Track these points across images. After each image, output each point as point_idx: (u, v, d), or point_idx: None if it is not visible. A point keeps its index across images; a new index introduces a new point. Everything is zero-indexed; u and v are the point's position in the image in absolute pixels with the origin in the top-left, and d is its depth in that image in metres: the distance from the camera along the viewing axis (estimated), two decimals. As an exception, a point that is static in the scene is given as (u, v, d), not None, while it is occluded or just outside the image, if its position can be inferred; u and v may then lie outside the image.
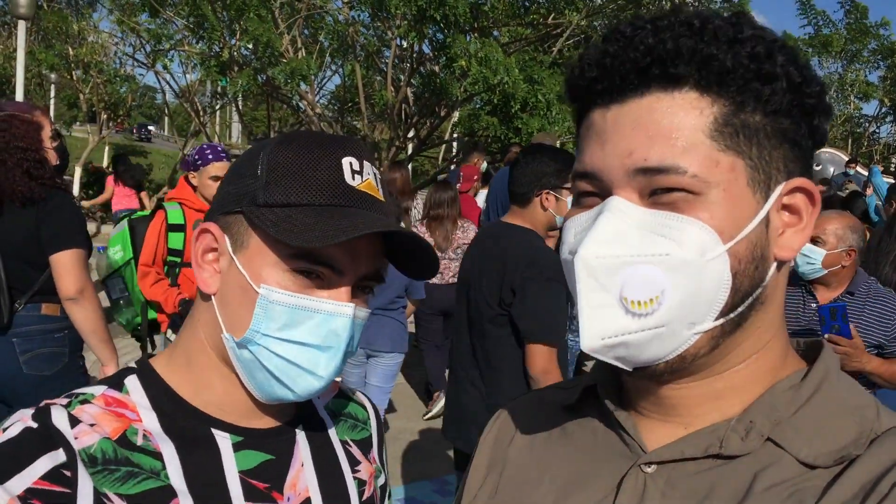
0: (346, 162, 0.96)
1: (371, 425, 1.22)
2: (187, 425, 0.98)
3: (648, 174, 0.72)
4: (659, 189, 0.73)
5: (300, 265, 0.93)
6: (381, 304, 4.54)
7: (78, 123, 21.77)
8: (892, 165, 20.15)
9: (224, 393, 1.00)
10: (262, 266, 0.93)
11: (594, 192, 0.78)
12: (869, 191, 10.01)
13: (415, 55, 12.12)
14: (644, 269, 0.72)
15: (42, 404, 0.94)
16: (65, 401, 0.95)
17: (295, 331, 0.93)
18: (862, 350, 2.90)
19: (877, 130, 25.07)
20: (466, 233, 6.20)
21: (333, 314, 0.94)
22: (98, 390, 0.98)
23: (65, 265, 3.03)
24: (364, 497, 1.12)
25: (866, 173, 13.54)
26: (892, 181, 9.94)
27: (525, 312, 2.79)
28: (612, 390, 0.89)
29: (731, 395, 0.79)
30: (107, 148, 21.51)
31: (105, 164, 19.42)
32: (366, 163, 0.98)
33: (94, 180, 16.76)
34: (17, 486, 0.84)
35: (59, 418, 0.91)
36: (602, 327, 0.73)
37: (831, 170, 13.65)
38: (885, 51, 22.45)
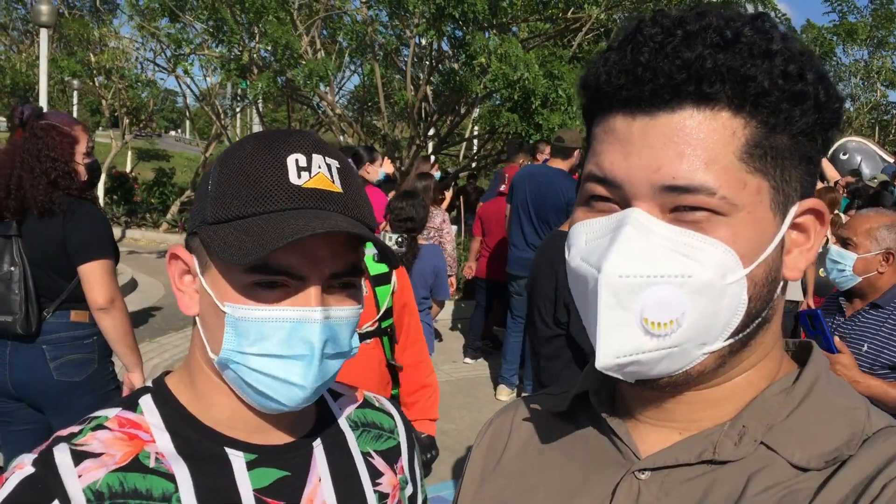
0: (292, 160, 0.93)
1: (399, 434, 1.19)
2: (201, 445, 0.98)
3: (676, 192, 0.71)
4: (683, 206, 0.71)
5: (257, 279, 0.91)
6: None
7: (101, 129, 21.98)
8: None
9: (231, 410, 1.00)
10: (226, 284, 0.93)
11: (609, 198, 0.76)
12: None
13: (434, 53, 12.10)
14: (667, 290, 0.71)
15: (51, 440, 0.94)
16: (77, 428, 0.95)
17: (265, 344, 0.92)
18: (849, 366, 2.55)
19: (904, 117, 24.70)
20: (434, 219, 6.59)
21: (302, 321, 0.91)
22: (112, 412, 0.99)
23: (94, 276, 3.09)
24: None
25: (892, 160, 13.31)
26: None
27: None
28: (604, 397, 0.88)
29: (727, 401, 0.79)
30: (129, 153, 21.71)
31: (129, 168, 19.61)
32: (315, 156, 0.94)
33: (118, 185, 16.93)
34: None
35: (61, 458, 0.91)
36: (618, 346, 0.72)
37: (858, 159, 13.40)
38: (912, 36, 22.11)
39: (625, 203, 0.74)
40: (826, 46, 20.71)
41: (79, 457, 0.91)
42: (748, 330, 0.75)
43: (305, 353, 0.92)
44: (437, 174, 8.82)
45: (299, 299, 0.92)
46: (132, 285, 9.93)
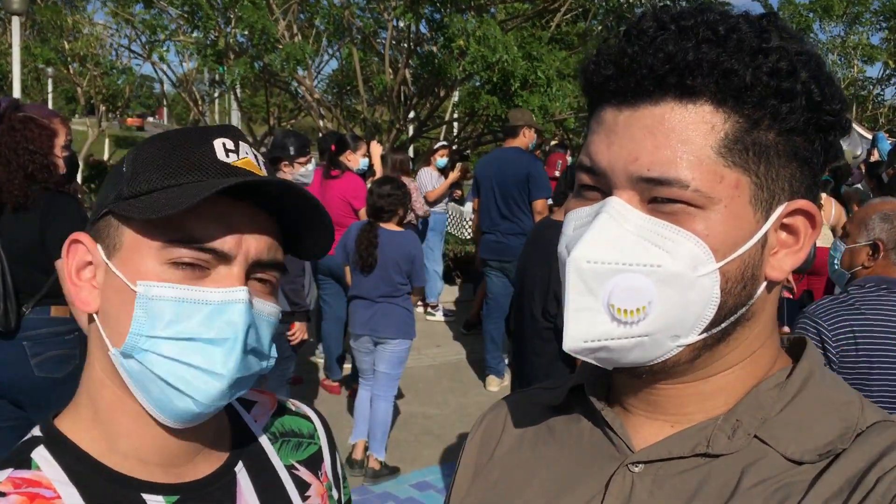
0: (219, 143, 0.88)
1: (319, 437, 1.12)
2: (115, 496, 0.86)
3: (651, 183, 0.72)
4: (660, 198, 0.72)
5: (176, 254, 0.83)
6: (385, 291, 4.53)
7: (77, 116, 21.72)
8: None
9: (140, 436, 0.89)
10: (140, 262, 0.84)
11: (596, 186, 0.78)
12: (874, 157, 9.90)
13: (412, 36, 12.02)
14: (634, 278, 0.73)
15: None
16: None
17: (182, 325, 0.83)
18: None
19: (881, 93, 24.88)
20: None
21: (225, 302, 0.84)
22: (2, 475, 0.84)
23: None
24: None
25: (870, 137, 13.37)
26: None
27: None
28: (599, 389, 0.89)
29: (718, 395, 0.80)
30: (107, 140, 21.48)
31: (106, 156, 19.41)
32: (242, 143, 0.91)
33: (96, 173, 16.75)
34: None
35: None
36: (585, 330, 0.75)
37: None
38: (888, 11, 22.19)
39: (607, 192, 0.76)
40: (803, 23, 20.75)
41: None
42: (724, 325, 0.75)
43: (227, 337, 0.83)
44: (444, 160, 8.89)
45: (222, 280, 0.85)
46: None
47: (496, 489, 0.92)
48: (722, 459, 0.76)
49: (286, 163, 4.83)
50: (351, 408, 4.94)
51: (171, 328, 0.83)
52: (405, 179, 7.68)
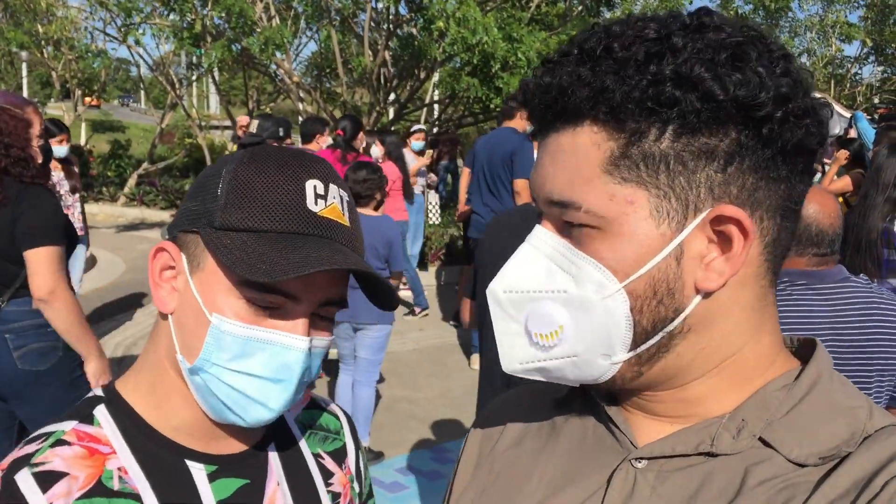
0: (311, 186, 0.93)
1: (344, 435, 1.22)
2: (162, 458, 0.97)
3: (556, 206, 0.76)
4: (567, 222, 0.75)
5: (252, 294, 0.90)
6: None
7: (53, 101, 21.42)
8: (877, 106, 20.11)
9: (189, 415, 0.99)
10: (217, 291, 0.91)
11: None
12: (851, 134, 9.96)
13: (391, 17, 11.94)
14: (546, 304, 0.76)
15: (8, 464, 0.91)
16: (33, 448, 0.93)
17: (246, 362, 0.91)
18: None
19: (859, 71, 25.03)
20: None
21: (288, 347, 0.91)
22: (69, 425, 0.96)
23: (36, 264, 2.97)
24: None
25: (848, 115, 13.45)
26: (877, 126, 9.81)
27: None
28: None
29: (710, 398, 0.79)
30: (83, 125, 21.22)
31: (83, 141, 19.18)
32: (332, 185, 0.95)
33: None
34: None
35: (27, 487, 0.89)
36: (515, 354, 0.80)
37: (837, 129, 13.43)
38: (865, -10, 22.31)
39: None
40: (781, 2, 20.81)
41: (44, 481, 0.89)
42: (653, 341, 0.74)
43: (284, 379, 0.92)
44: (420, 143, 9.03)
45: (288, 324, 0.92)
46: (91, 262, 9.75)
47: (498, 481, 0.92)
48: (725, 458, 0.76)
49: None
50: (332, 394, 4.94)
51: (236, 362, 0.91)
52: (387, 163, 7.83)
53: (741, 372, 0.79)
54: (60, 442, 0.93)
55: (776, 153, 0.72)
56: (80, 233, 6.12)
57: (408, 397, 5.95)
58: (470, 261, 6.93)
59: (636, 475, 0.79)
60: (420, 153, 9.15)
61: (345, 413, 1.26)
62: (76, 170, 6.72)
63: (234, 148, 8.07)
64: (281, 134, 4.76)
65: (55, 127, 6.30)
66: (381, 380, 4.89)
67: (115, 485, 0.93)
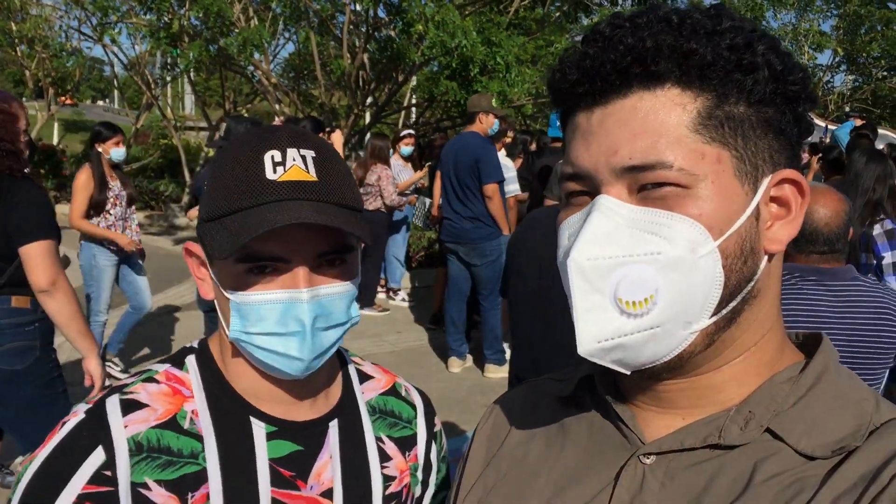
0: (268, 157, 1.01)
1: (417, 425, 1.28)
2: (230, 410, 1.09)
3: (635, 171, 0.73)
4: (648, 184, 0.73)
5: (246, 267, 1.01)
6: None
7: (25, 100, 21.15)
8: (849, 115, 20.39)
9: (253, 380, 1.11)
10: (226, 274, 1.03)
11: (584, 191, 0.78)
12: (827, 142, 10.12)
13: (370, 20, 11.92)
14: (637, 268, 0.73)
15: (106, 390, 1.07)
16: (131, 379, 1.09)
17: (264, 324, 1.02)
18: None
19: (830, 80, 25.37)
20: (372, 175, 7.85)
21: (292, 301, 1.01)
22: (163, 367, 1.12)
23: (35, 258, 2.95)
24: (389, 491, 1.19)
25: (822, 124, 13.66)
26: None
27: None
28: (609, 381, 0.89)
29: (728, 387, 0.79)
30: (56, 124, 20.96)
31: (56, 141, 18.95)
32: (289, 150, 1.02)
33: (45, 158, 16.34)
34: (68, 499, 0.97)
35: (112, 408, 1.04)
36: (598, 330, 0.74)
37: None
38: None
39: (595, 192, 0.77)
40: (757, 11, 21.06)
41: (127, 407, 1.04)
42: (732, 304, 0.76)
43: (298, 330, 1.01)
44: (409, 149, 8.83)
45: (288, 281, 1.01)
46: (64, 262, 9.63)
47: (506, 480, 0.92)
48: (734, 453, 0.76)
49: None
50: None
51: (258, 326, 1.02)
52: (380, 167, 7.85)
53: (766, 354, 0.80)
54: (151, 379, 1.09)
55: (801, 132, 0.78)
56: (138, 246, 5.69)
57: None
58: (445, 264, 6.98)
59: (645, 471, 0.79)
60: (408, 158, 8.92)
61: (427, 403, 1.32)
62: (128, 178, 6.01)
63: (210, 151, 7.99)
64: None
65: (109, 129, 5.61)
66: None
67: (186, 424, 1.06)
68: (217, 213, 1.01)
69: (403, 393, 1.30)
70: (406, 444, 1.24)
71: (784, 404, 0.77)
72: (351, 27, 11.92)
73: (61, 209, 14.27)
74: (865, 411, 0.75)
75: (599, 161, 0.75)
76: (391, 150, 8.40)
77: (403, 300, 8.80)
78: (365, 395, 1.24)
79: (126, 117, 21.33)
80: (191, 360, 1.13)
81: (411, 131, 9.45)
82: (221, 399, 1.10)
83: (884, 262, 4.00)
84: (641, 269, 0.72)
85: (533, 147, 9.06)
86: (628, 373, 0.78)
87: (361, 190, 7.68)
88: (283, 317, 1.01)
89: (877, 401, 0.77)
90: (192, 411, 1.07)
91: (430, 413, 1.31)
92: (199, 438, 1.06)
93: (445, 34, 9.70)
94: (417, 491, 1.25)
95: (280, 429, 1.10)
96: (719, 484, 0.74)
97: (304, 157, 1.02)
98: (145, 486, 1.01)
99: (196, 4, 10.54)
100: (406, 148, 8.85)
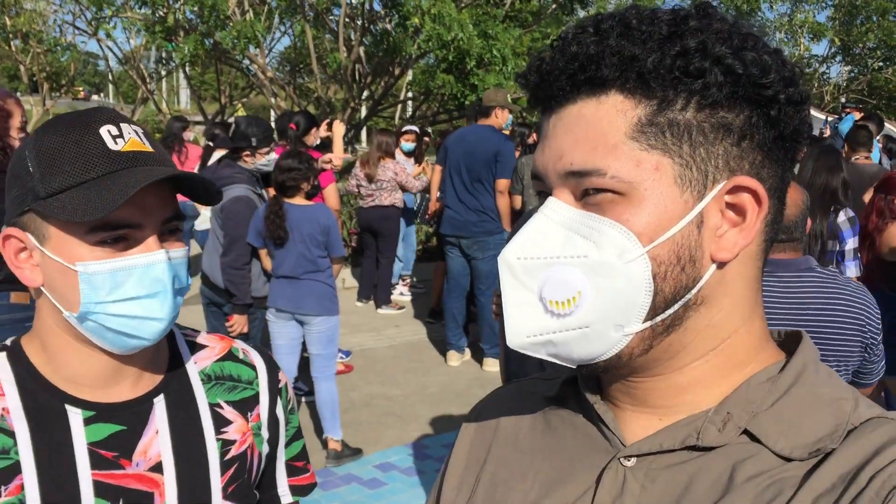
0: (105, 131, 1.05)
1: (259, 384, 1.29)
2: (44, 402, 1.10)
3: (576, 177, 0.75)
4: (589, 189, 0.75)
5: (100, 236, 1.03)
6: (308, 268, 4.52)
7: (20, 94, 21.07)
8: (845, 106, 20.40)
9: (80, 365, 1.12)
10: (70, 247, 1.04)
11: (543, 191, 0.81)
12: (825, 134, 10.13)
13: (366, 13, 11.89)
14: (563, 270, 0.75)
15: None
16: None
17: (121, 290, 1.04)
18: None
19: (826, 71, 25.39)
20: (385, 171, 7.68)
21: (150, 264, 1.05)
22: None
23: None
24: (229, 456, 1.22)
25: (822, 116, 13.65)
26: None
27: None
28: (592, 382, 0.89)
29: (699, 388, 0.79)
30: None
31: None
32: (123, 125, 1.08)
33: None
34: None
35: None
36: (524, 325, 0.77)
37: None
38: (833, -11, 22.62)
39: (549, 194, 0.79)
40: (753, 3, 21.06)
41: None
42: (671, 311, 0.75)
43: (159, 290, 1.06)
44: (410, 145, 8.70)
45: (141, 247, 1.05)
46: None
47: (491, 482, 0.92)
48: (712, 454, 0.76)
49: (248, 153, 4.76)
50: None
51: (114, 293, 1.04)
52: (390, 162, 7.74)
53: (734, 357, 0.79)
54: None
55: (778, 136, 0.76)
56: None
57: (385, 394, 5.94)
58: (443, 257, 6.97)
59: (626, 473, 0.79)
60: (410, 154, 8.72)
61: (268, 361, 1.33)
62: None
63: (205, 142, 7.89)
64: (254, 142, 4.56)
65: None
66: (347, 375, 4.83)
67: None
68: (64, 185, 1.02)
69: (241, 356, 1.30)
70: (247, 405, 1.26)
71: (762, 405, 0.76)
72: (347, 20, 11.90)
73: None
74: (843, 411, 0.75)
75: (548, 165, 0.78)
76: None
77: (402, 294, 8.80)
78: (198, 364, 1.25)
79: (121, 111, 21.25)
80: (1, 359, 1.13)
81: (413, 127, 9.30)
82: (35, 392, 1.11)
83: (846, 247, 4.14)
84: (567, 270, 0.74)
85: (531, 140, 9.04)
86: (573, 367, 0.80)
87: (373, 186, 7.65)
88: (143, 279, 1.05)
89: (856, 399, 0.77)
90: (3, 409, 1.09)
91: (272, 370, 1.32)
92: (11, 434, 1.07)
93: (442, 27, 9.69)
94: (265, 448, 1.28)
95: (98, 412, 1.12)
96: (699, 486, 0.75)
97: (136, 132, 1.09)
98: None
99: (191, -2, 10.50)
100: (407, 144, 8.68)
